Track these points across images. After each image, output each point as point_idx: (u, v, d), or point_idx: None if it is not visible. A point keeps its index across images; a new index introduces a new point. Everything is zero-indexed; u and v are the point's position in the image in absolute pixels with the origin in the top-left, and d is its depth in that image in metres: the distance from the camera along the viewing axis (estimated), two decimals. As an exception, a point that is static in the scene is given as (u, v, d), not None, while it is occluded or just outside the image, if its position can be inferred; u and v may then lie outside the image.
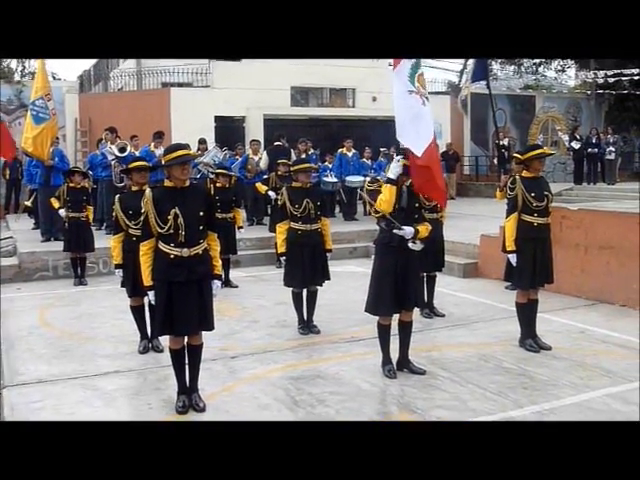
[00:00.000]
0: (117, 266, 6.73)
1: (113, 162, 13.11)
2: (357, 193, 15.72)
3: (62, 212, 10.32)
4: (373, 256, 6.12)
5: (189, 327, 5.09)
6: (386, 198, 5.63)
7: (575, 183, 20.79)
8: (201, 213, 5.06)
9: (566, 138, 22.04)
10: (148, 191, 5.09)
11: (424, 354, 6.50)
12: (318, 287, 7.36)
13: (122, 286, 6.79)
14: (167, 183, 5.10)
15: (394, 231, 5.69)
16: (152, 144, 14.00)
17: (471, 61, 24.74)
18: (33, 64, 33.06)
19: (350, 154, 16.00)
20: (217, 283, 5.24)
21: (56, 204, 10.42)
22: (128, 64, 26.78)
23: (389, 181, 5.68)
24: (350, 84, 22.01)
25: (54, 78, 27.53)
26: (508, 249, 6.57)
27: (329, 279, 7.33)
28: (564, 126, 24.55)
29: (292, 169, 7.50)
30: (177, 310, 5.00)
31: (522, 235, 6.50)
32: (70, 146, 19.62)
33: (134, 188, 6.68)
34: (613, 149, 20.58)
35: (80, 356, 6.69)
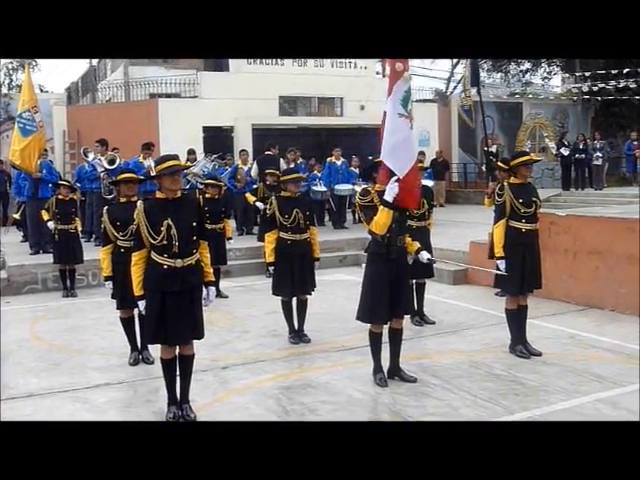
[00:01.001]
0: (107, 278, 6.70)
1: (102, 174, 13.09)
2: (346, 201, 15.77)
3: (51, 224, 10.31)
4: (364, 264, 6.13)
5: (182, 336, 5.09)
6: (382, 222, 5.57)
7: (563, 189, 20.90)
8: (194, 223, 5.07)
9: (553, 145, 22.15)
10: (140, 203, 5.08)
11: (415, 362, 6.50)
12: (308, 296, 7.34)
13: (112, 298, 6.76)
14: (159, 194, 5.10)
15: (423, 259, 5.90)
16: (141, 155, 13.99)
17: (462, 68, 24.78)
18: (20, 77, 33.00)
19: (339, 163, 16.07)
20: (212, 289, 5.28)
21: (45, 216, 10.44)
22: (116, 76, 26.78)
23: (386, 204, 5.55)
24: (338, 93, 22.09)
25: (41, 90, 27.54)
26: (496, 255, 6.59)
27: (315, 287, 7.36)
28: (551, 132, 24.68)
29: (281, 179, 7.49)
30: (170, 320, 4.99)
31: (510, 241, 6.52)
32: (58, 158, 19.62)
33: (122, 200, 6.68)
34: (600, 154, 20.69)
35: (70, 369, 6.66)
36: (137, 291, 5.09)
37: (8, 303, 9.98)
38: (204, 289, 5.21)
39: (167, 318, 5.00)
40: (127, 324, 6.83)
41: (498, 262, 6.58)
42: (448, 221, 15.30)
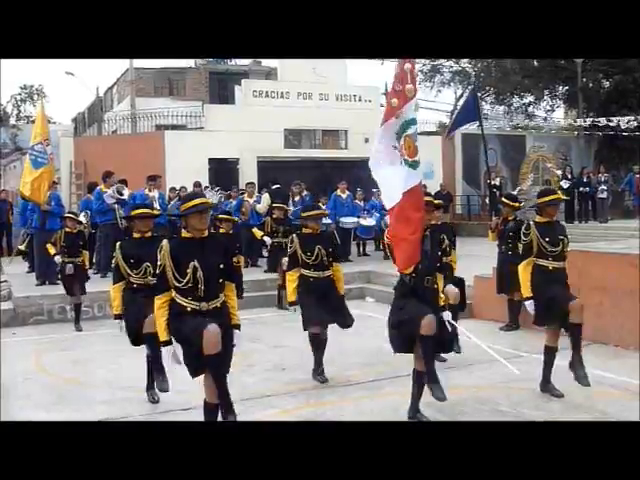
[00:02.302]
0: (117, 316, 6.46)
1: (115, 206, 13.20)
2: (351, 234, 15.87)
3: (57, 259, 10.20)
4: (368, 298, 6.07)
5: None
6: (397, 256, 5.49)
7: (566, 222, 20.94)
8: (221, 265, 4.89)
9: (559, 172, 22.28)
10: (165, 243, 4.89)
11: (422, 398, 6.50)
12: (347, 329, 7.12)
13: (129, 336, 6.48)
14: (184, 234, 4.96)
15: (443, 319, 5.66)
16: (147, 187, 14.11)
17: (462, 103, 25.02)
18: (28, 108, 33.33)
19: (344, 195, 16.18)
20: (237, 332, 5.14)
21: (52, 250, 10.33)
22: (122, 107, 27.08)
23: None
24: (342, 126, 22.27)
25: (49, 122, 27.79)
26: (524, 296, 6.46)
27: (352, 320, 7.13)
28: (554, 165, 24.81)
29: (302, 215, 7.34)
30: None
31: (538, 280, 6.41)
32: (65, 189, 19.77)
33: (136, 235, 6.48)
34: (605, 187, 20.80)
35: (77, 402, 6.67)
36: (162, 336, 4.90)
37: (14, 334, 10.02)
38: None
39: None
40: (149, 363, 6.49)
41: (526, 303, 6.46)
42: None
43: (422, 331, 5.46)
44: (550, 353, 6.55)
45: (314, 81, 21.09)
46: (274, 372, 7.60)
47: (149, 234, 6.36)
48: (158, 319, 4.88)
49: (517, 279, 6.68)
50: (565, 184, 20.96)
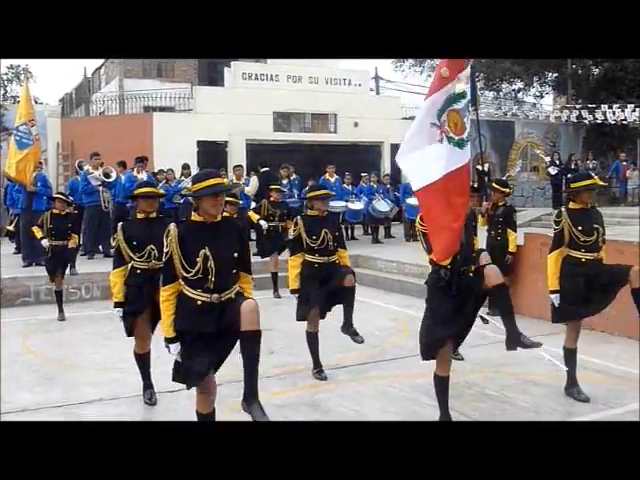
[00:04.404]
0: (117, 304, 5.92)
1: (100, 188, 13.16)
2: (339, 218, 15.87)
3: (45, 242, 9.72)
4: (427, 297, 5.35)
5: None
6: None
7: (554, 208, 21.04)
8: (235, 254, 4.38)
9: (548, 159, 22.35)
10: (173, 227, 4.33)
11: (408, 381, 6.55)
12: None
13: (125, 326, 6.00)
14: (195, 217, 4.40)
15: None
16: (135, 169, 14.05)
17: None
18: (15, 88, 33.04)
19: (333, 179, 16.20)
20: None
21: (38, 234, 9.79)
22: (110, 88, 26.89)
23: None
24: (332, 109, 22.21)
25: (36, 102, 27.54)
26: (551, 288, 6.00)
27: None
28: (543, 151, 24.88)
29: (308, 196, 6.92)
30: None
31: (568, 272, 5.94)
32: (52, 170, 19.64)
33: (139, 216, 6.03)
34: (593, 174, 20.85)
35: (63, 384, 6.67)
36: (168, 332, 4.38)
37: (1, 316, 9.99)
38: None
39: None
40: (142, 361, 6.08)
41: (552, 297, 6.00)
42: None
43: (437, 371, 5.27)
44: (570, 355, 6.15)
45: (304, 64, 20.98)
46: (262, 355, 7.47)
47: (154, 215, 5.97)
48: (164, 313, 4.39)
49: (503, 263, 6.56)
50: (553, 170, 21.08)
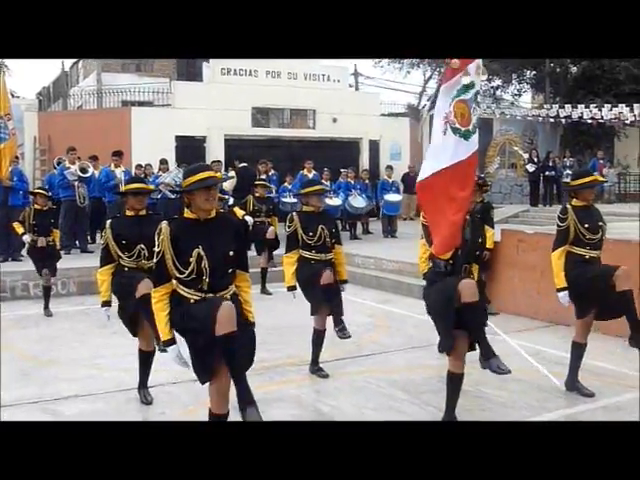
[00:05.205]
0: (105, 303, 5.75)
1: (76, 183, 13.07)
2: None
3: (26, 238, 9.51)
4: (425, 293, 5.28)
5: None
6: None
7: (531, 205, 21.25)
8: (231, 253, 4.15)
9: (526, 156, 22.53)
10: (164, 225, 4.11)
11: (384, 376, 6.57)
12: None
13: (133, 334, 5.79)
14: (187, 214, 4.19)
15: None
16: (112, 164, 13.98)
17: (435, 83, 24.94)
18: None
19: (310, 175, 16.21)
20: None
21: (20, 229, 9.60)
22: (88, 82, 26.69)
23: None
24: (311, 105, 22.19)
25: (13, 96, 27.27)
26: (558, 287, 5.93)
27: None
28: (521, 149, 25.05)
29: (302, 191, 6.76)
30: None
31: (573, 268, 5.88)
32: (28, 165, 19.46)
33: (129, 213, 5.85)
34: (570, 172, 21.08)
35: (39, 380, 6.62)
36: (165, 334, 4.17)
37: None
38: None
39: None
40: (146, 358, 5.83)
41: (560, 295, 5.94)
42: (418, 234, 15.39)
43: (455, 368, 5.13)
44: (578, 349, 6.06)
45: (283, 60, 20.96)
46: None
47: (144, 212, 5.80)
48: (158, 314, 4.18)
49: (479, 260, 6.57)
50: (531, 168, 21.27)
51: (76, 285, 11.12)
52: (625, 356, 6.82)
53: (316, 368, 6.73)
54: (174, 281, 4.16)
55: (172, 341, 4.18)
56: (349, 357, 7.26)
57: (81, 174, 13.10)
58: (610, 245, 6.73)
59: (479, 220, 9.18)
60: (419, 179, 4.93)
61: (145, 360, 5.83)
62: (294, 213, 6.62)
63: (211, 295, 4.08)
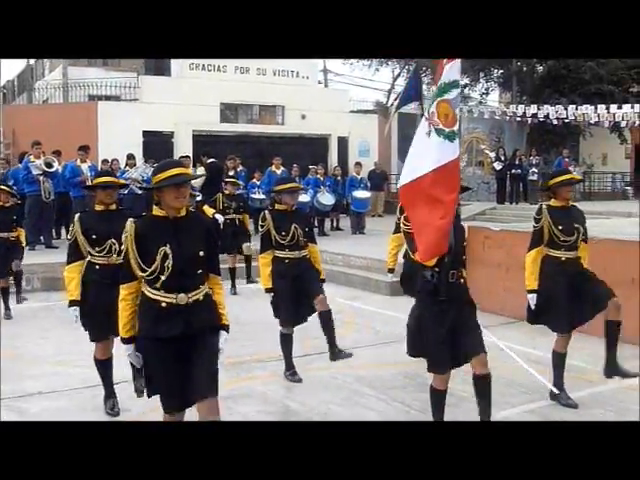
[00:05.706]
0: (73, 303, 5.46)
1: (41, 177, 12.92)
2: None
3: None
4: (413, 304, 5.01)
5: (185, 399, 3.98)
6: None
7: (498, 202, 21.46)
8: (201, 253, 3.97)
9: (493, 155, 22.74)
10: (130, 224, 3.95)
11: (351, 372, 6.60)
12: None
13: (84, 327, 5.63)
14: (156, 211, 4.00)
15: None
16: (78, 159, 13.84)
17: (403, 81, 24.99)
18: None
19: (279, 171, 16.18)
20: (224, 335, 4.12)
21: None
22: (54, 75, 26.36)
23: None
24: (279, 101, 22.17)
25: (-24, 89, 26.90)
26: (528, 287, 5.79)
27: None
28: (488, 147, 25.26)
29: (275, 189, 6.53)
30: (169, 377, 3.93)
31: (549, 271, 5.77)
32: (-8, 158, 19.17)
33: (98, 208, 5.60)
34: (536, 170, 21.38)
35: (4, 377, 6.53)
36: (123, 332, 4.03)
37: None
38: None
39: (166, 375, 3.93)
40: (104, 366, 5.63)
41: (529, 297, 5.80)
42: (386, 231, 15.47)
43: (437, 384, 4.93)
44: (559, 359, 5.96)
45: (252, 55, 20.91)
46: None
47: (114, 207, 5.60)
48: (120, 312, 4.02)
49: None
50: (498, 166, 21.50)
51: (40, 281, 11.00)
52: (585, 351, 6.92)
53: (289, 373, 6.54)
54: (142, 282, 4.00)
55: (129, 340, 4.03)
56: (316, 353, 7.26)
57: (46, 169, 12.93)
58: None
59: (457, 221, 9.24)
60: (401, 183, 4.69)
61: (103, 369, 5.65)
62: (266, 212, 6.40)
63: (183, 296, 3.91)
